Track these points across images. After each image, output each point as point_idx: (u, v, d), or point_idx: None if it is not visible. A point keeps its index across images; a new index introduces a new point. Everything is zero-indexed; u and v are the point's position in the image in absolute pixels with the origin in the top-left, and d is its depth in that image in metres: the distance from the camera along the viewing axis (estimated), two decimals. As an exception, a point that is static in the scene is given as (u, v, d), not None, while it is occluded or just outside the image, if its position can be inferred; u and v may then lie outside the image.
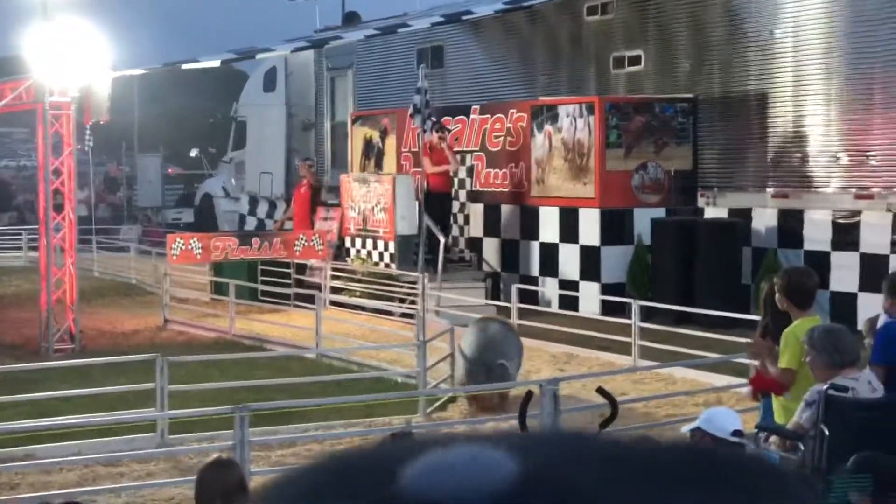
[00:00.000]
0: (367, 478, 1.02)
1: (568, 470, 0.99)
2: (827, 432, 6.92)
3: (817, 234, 19.08)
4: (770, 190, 20.00)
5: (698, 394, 13.88)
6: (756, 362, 9.14)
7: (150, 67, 25.15)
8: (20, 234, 33.15)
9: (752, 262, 19.71)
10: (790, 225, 19.54)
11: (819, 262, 17.49)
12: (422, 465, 0.99)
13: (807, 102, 19.61)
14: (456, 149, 23.51)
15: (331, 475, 1.04)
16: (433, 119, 21.85)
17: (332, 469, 1.05)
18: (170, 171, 46.60)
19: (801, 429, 7.17)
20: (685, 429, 7.00)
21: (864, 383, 7.27)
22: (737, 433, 6.59)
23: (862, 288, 18.06)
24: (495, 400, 13.57)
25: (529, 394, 7.62)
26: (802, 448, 7.13)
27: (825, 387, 7.07)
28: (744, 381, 11.53)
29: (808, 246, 19.17)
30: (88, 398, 13.27)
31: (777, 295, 8.47)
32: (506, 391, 13.75)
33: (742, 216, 20.19)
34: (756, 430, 7.88)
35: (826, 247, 18.85)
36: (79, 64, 18.12)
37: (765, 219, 19.95)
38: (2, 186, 41.00)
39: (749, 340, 9.28)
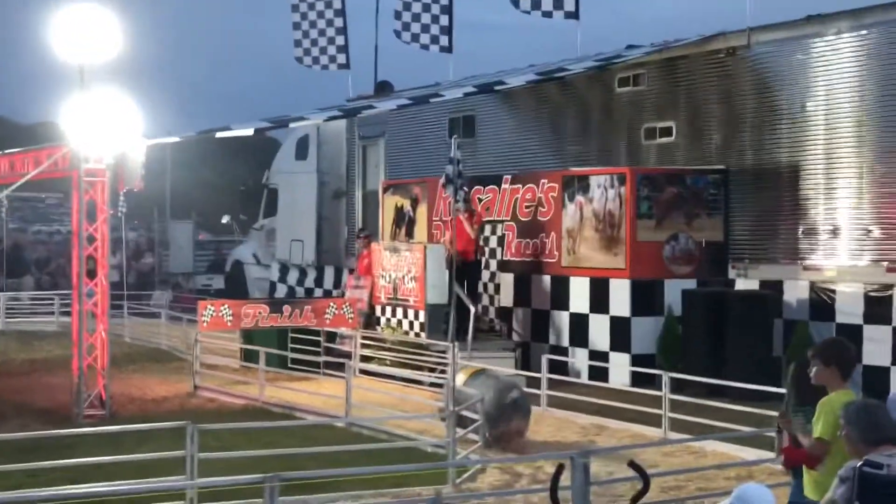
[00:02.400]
0: None
1: None
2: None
3: (849, 307, 19.01)
4: (802, 262, 19.96)
5: (729, 467, 13.78)
6: (783, 436, 9.07)
7: (184, 136, 25.32)
8: (52, 300, 33.31)
9: (783, 334, 19.64)
10: (822, 297, 19.48)
11: (851, 336, 17.39)
12: None
13: (838, 175, 19.62)
14: (487, 218, 23.58)
15: None
16: (465, 189, 21.91)
17: None
18: (200, 236, 46.84)
19: None
20: None
21: None
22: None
23: (894, 362, 17.98)
24: (514, 435, 14.50)
25: (561, 466, 7.59)
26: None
27: (860, 463, 7.02)
28: (774, 455, 11.46)
29: (840, 319, 19.10)
30: (119, 465, 13.27)
31: (817, 368, 8.40)
32: (523, 426, 14.80)
33: (773, 288, 20.14)
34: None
35: (858, 320, 18.77)
36: (114, 132, 18.30)
37: (796, 291, 19.90)
38: (17, 250, 41.19)
39: (778, 413, 9.22)
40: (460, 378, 16.80)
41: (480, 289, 23.26)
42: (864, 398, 7.84)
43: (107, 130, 18.21)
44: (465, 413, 15.26)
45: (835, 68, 19.66)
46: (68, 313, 24.66)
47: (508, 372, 20.55)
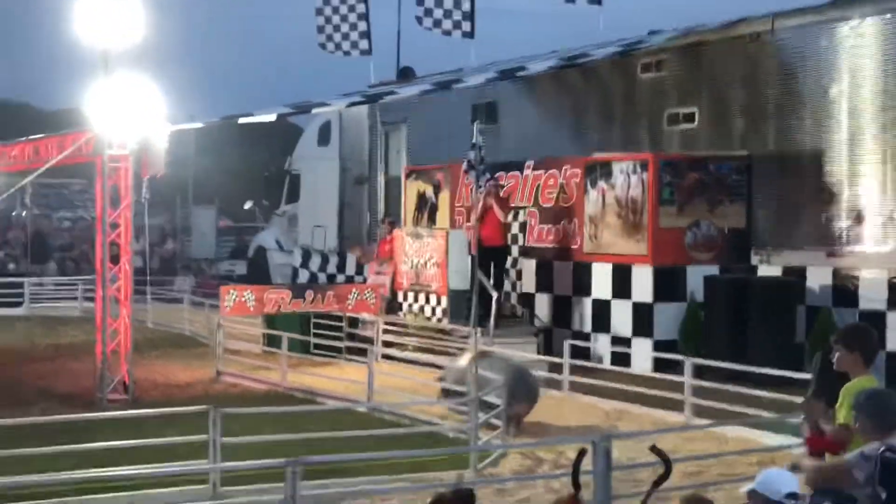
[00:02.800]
0: None
1: None
2: (884, 496, 6.85)
3: (873, 293, 18.94)
4: (825, 248, 19.90)
5: (751, 453, 13.77)
6: (806, 423, 9.05)
7: (207, 121, 25.36)
8: (76, 285, 33.44)
9: (805, 320, 19.58)
10: (845, 284, 19.42)
11: (874, 322, 17.32)
12: None
13: (862, 161, 19.53)
14: (510, 205, 23.56)
15: None
16: (488, 175, 21.92)
17: None
18: (221, 223, 46.90)
19: (852, 479, 7.09)
20: (743, 489, 6.95)
21: None
22: (791, 495, 6.53)
23: (918, 348, 17.93)
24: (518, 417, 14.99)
25: (583, 451, 7.58)
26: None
27: (882, 448, 7.01)
28: (798, 440, 11.44)
29: (863, 305, 19.03)
30: (142, 449, 13.33)
31: (840, 353, 8.39)
32: (527, 409, 15.33)
33: (796, 275, 20.08)
34: (812, 493, 7.80)
35: (882, 306, 18.71)
36: (137, 118, 18.36)
37: (819, 277, 19.83)
38: (41, 236, 41.33)
39: (802, 400, 9.19)
40: (464, 360, 17.12)
41: (504, 275, 23.26)
42: (874, 387, 7.82)
43: (130, 116, 18.27)
44: (456, 388, 15.95)
45: (859, 53, 19.58)
46: (92, 299, 24.77)
47: (531, 358, 20.58)
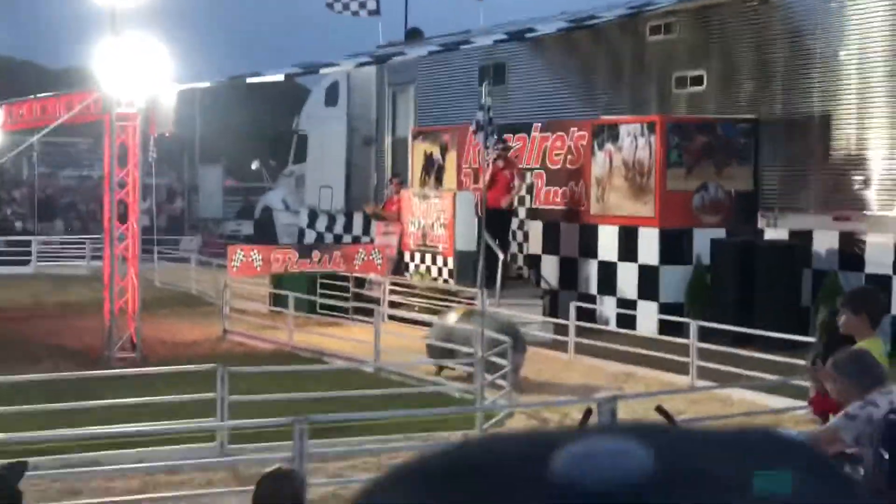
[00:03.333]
0: (515, 461, 1.10)
1: (699, 461, 1.10)
2: (887, 456, 6.90)
3: (879, 257, 18.95)
4: (832, 212, 19.90)
5: (757, 415, 13.83)
6: (812, 385, 9.10)
7: (215, 81, 25.37)
8: (83, 244, 33.50)
9: (811, 284, 19.62)
10: (852, 248, 19.44)
11: (880, 286, 17.34)
12: (569, 452, 1.07)
13: (871, 125, 19.51)
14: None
15: (482, 454, 1.12)
16: (496, 136, 21.91)
17: (482, 449, 1.13)
18: (226, 182, 46.89)
19: (841, 442, 7.14)
20: None
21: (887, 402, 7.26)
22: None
23: (924, 312, 17.93)
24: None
25: (588, 412, 7.65)
26: (862, 471, 7.11)
27: (886, 411, 7.05)
28: (802, 403, 11.50)
29: (869, 269, 19.05)
30: (149, 407, 13.41)
31: (843, 317, 8.42)
32: (520, 362, 15.62)
33: (803, 238, 20.10)
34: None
35: (888, 270, 18.73)
36: (145, 77, 18.35)
37: (826, 241, 19.85)
38: (47, 196, 41.40)
39: (805, 363, 9.25)
40: (452, 317, 17.49)
41: (511, 236, 23.31)
42: (848, 348, 7.86)
43: (138, 75, 18.26)
44: (442, 345, 16.45)
45: (868, 16, 19.52)
46: (99, 257, 24.82)
47: (537, 319, 20.65)
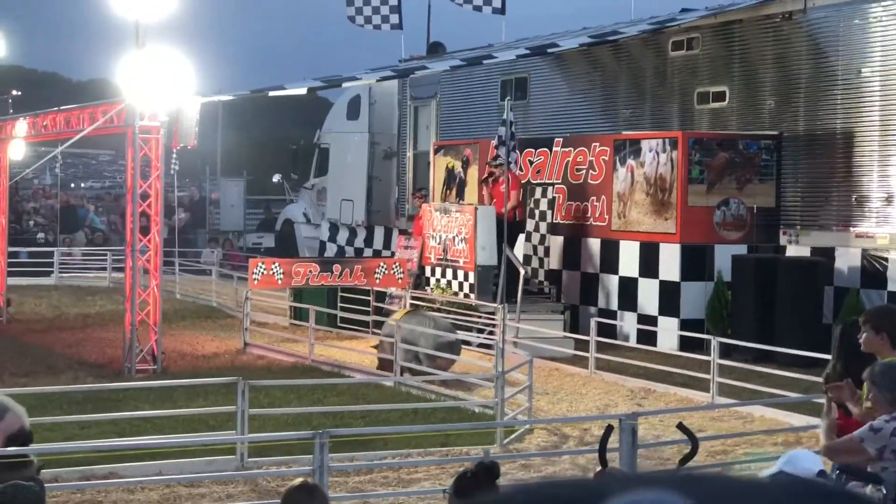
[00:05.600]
0: None
1: None
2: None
3: (901, 274, 18.89)
4: (854, 229, 19.84)
5: (777, 433, 13.79)
6: (832, 405, 9.05)
7: (237, 94, 25.42)
8: (105, 255, 33.60)
9: (833, 301, 19.54)
10: (874, 265, 19.37)
11: (903, 304, 17.30)
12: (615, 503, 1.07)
13: (893, 141, 19.46)
14: (538, 181, 23.60)
15: (532, 502, 1.12)
16: (499, 155, 21.98)
17: (532, 497, 1.13)
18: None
19: (864, 453, 7.11)
20: (764, 473, 6.96)
21: None
22: (821, 474, 6.56)
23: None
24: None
25: (609, 428, 7.63)
26: (884, 491, 7.08)
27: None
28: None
29: (891, 286, 18.98)
30: (169, 419, 13.44)
31: (864, 335, 8.39)
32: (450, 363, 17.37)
33: (825, 255, 20.03)
34: (837, 472, 7.83)
35: (910, 288, 18.66)
36: (168, 89, 18.41)
37: (848, 258, 19.79)
38: (70, 207, 41.44)
39: (827, 381, 9.19)
40: (396, 316, 18.59)
41: (528, 251, 23.30)
42: (887, 360, 7.83)
43: (162, 87, 18.32)
44: (388, 339, 17.81)
45: (892, 33, 19.48)
46: (120, 269, 24.90)
47: (556, 335, 20.63)
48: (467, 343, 20.00)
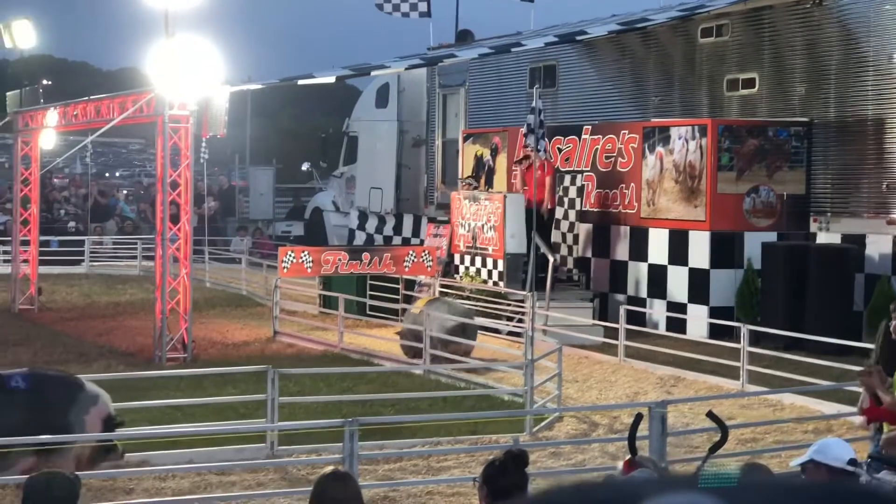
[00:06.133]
0: None
1: None
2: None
3: (933, 262, 18.79)
4: (885, 216, 19.75)
5: (807, 421, 13.75)
6: (865, 392, 9.04)
7: (266, 83, 25.47)
8: (135, 244, 33.75)
9: (864, 288, 19.46)
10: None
11: (934, 291, 17.22)
12: None
13: (924, 128, 19.34)
14: (567, 168, 23.58)
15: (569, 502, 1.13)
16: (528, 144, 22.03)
17: (569, 497, 1.14)
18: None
19: None
20: (794, 462, 6.94)
21: None
22: (852, 462, 6.54)
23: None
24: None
25: (639, 416, 7.62)
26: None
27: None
28: (854, 409, 11.42)
29: (922, 274, 18.89)
30: (200, 407, 13.50)
31: (893, 323, 8.37)
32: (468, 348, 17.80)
33: (855, 242, 19.94)
34: (869, 460, 7.80)
35: (941, 275, 18.56)
36: (197, 79, 18.46)
37: (879, 245, 19.70)
38: (100, 195, 41.51)
39: (860, 368, 9.17)
40: (418, 305, 18.89)
41: (557, 238, 23.29)
42: None
43: (191, 76, 18.37)
44: (413, 327, 18.19)
45: (923, 20, 19.36)
46: (151, 258, 25.00)
47: (585, 323, 20.61)
48: (496, 331, 20.02)
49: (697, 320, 20.43)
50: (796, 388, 14.97)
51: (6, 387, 10.83)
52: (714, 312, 20.25)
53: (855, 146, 20.42)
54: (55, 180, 41.52)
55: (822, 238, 20.73)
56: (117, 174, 53.05)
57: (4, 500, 9.93)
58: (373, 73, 26.62)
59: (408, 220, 27.60)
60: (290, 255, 20.95)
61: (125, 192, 44.52)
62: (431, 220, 26.66)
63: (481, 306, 21.39)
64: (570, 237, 23.52)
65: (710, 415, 7.92)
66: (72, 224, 37.87)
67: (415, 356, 18.12)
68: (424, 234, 25.74)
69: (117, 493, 10.89)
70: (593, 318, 21.16)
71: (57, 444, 10.44)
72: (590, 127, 23.64)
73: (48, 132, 24.49)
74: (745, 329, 16.51)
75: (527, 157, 22.65)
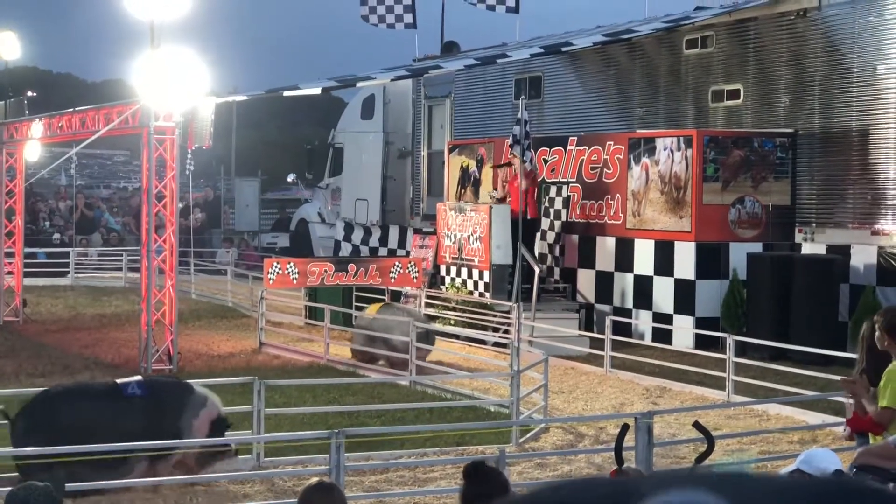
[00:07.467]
0: None
1: None
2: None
3: (917, 272, 18.85)
4: (870, 227, 19.80)
5: (793, 431, 13.77)
6: (852, 401, 9.06)
7: (252, 94, 25.46)
8: (120, 256, 33.68)
9: (849, 299, 19.51)
10: (890, 262, 19.33)
11: (919, 301, 17.26)
12: (651, 502, 1.08)
13: (908, 139, 19.41)
14: (553, 179, 23.61)
15: (568, 499, 1.13)
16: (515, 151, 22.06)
17: (569, 494, 1.14)
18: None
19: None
20: (783, 471, 6.95)
21: None
22: (838, 472, 6.55)
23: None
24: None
25: (625, 427, 7.63)
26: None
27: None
28: (840, 419, 11.44)
29: (907, 284, 18.94)
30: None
31: (878, 333, 8.40)
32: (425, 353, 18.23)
33: (840, 253, 20.00)
34: (854, 470, 7.82)
35: (926, 285, 18.61)
36: (183, 90, 18.45)
37: (864, 256, 19.75)
38: (85, 207, 41.43)
39: (844, 378, 9.20)
40: (371, 311, 19.54)
41: (543, 250, 23.31)
42: None
43: (176, 88, 18.36)
44: (364, 332, 18.69)
45: (907, 31, 19.43)
46: (136, 269, 24.94)
47: (571, 333, 20.62)
48: (482, 342, 20.03)
49: (683, 331, 20.46)
50: (782, 399, 15.00)
51: (124, 394, 11.22)
52: (700, 323, 20.28)
53: (840, 157, 20.48)
54: (39, 191, 41.40)
55: (808, 248, 20.79)
56: (102, 185, 52.96)
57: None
58: (358, 85, 26.65)
59: (394, 232, 27.59)
60: (275, 267, 20.93)
61: (112, 206, 44.46)
62: (417, 231, 26.67)
63: (467, 317, 21.39)
64: (556, 248, 23.52)
65: (697, 425, 7.94)
66: (57, 236, 37.76)
67: (368, 361, 18.97)
68: (410, 246, 25.74)
69: (103, 505, 10.85)
70: (579, 329, 21.18)
71: (168, 449, 10.80)
72: (575, 138, 23.68)
73: (33, 144, 24.44)
74: (730, 339, 16.54)
75: (509, 163, 22.67)
